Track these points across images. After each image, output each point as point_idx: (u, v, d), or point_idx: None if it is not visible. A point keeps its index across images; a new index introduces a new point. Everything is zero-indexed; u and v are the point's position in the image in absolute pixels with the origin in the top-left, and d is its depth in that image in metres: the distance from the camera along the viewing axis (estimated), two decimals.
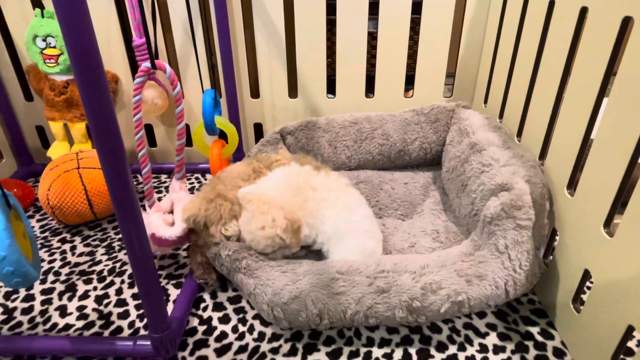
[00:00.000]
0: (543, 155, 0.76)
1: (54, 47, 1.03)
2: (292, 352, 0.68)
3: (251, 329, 0.72)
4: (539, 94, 0.78)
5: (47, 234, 0.96)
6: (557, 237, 0.71)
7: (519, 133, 0.85)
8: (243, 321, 0.73)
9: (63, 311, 0.76)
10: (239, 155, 1.14)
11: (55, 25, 1.02)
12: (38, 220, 1.01)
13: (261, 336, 0.71)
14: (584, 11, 0.64)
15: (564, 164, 0.68)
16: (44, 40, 1.03)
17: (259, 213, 0.72)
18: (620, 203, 0.57)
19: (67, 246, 0.92)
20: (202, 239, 0.77)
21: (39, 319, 0.75)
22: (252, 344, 0.69)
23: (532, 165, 0.72)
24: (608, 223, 0.59)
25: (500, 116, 0.95)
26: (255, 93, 1.15)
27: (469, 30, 1.05)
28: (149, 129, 1.18)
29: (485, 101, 1.04)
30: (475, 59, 1.08)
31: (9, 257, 0.56)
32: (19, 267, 0.57)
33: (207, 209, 0.76)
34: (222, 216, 0.75)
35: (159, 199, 0.92)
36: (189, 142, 1.19)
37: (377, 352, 0.68)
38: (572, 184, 0.67)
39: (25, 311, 0.76)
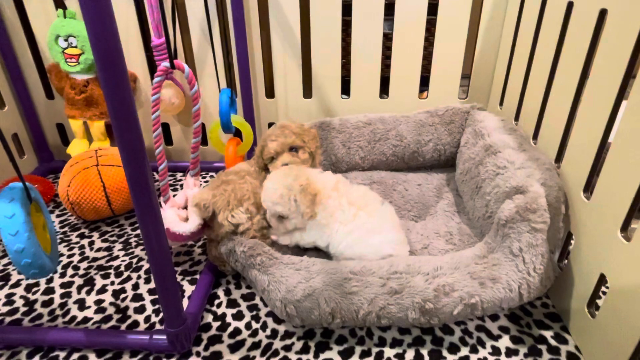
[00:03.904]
0: (559, 158, 0.75)
1: (75, 46, 1.06)
2: (305, 349, 0.69)
3: (264, 326, 0.73)
4: (556, 96, 0.77)
5: (66, 229, 0.99)
6: (572, 241, 0.71)
7: (535, 136, 0.84)
8: (256, 318, 0.74)
9: (82, 304, 0.78)
10: (253, 154, 1.15)
11: (77, 26, 1.04)
12: (57, 216, 1.03)
13: (274, 333, 0.72)
14: (603, 13, 0.64)
15: (580, 167, 0.68)
16: (66, 40, 1.05)
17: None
18: (638, 207, 0.57)
19: (85, 241, 0.95)
20: (214, 232, 0.78)
21: (58, 312, 0.77)
22: (265, 341, 0.70)
23: (547, 168, 0.72)
24: (625, 227, 0.58)
25: (516, 118, 0.94)
26: (270, 93, 1.16)
27: (486, 31, 1.05)
28: (165, 127, 1.20)
29: (501, 103, 1.04)
30: (492, 60, 1.07)
31: (27, 250, 0.58)
32: (36, 259, 0.59)
33: (214, 195, 0.78)
34: (229, 202, 0.77)
35: (174, 196, 0.94)
36: (204, 141, 1.20)
37: (388, 352, 0.68)
38: (589, 188, 0.67)
39: (45, 304, 0.78)
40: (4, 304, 0.78)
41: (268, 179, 0.77)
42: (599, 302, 0.65)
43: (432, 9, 1.03)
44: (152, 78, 1.10)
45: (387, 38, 1.08)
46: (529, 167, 0.73)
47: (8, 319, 0.75)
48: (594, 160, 0.65)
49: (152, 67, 1.12)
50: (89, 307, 0.78)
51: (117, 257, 0.90)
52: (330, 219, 0.76)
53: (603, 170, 0.62)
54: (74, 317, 0.76)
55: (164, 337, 0.67)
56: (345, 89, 1.14)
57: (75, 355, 0.68)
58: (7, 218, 0.57)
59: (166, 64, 0.83)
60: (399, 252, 0.76)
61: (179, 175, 1.21)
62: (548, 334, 0.70)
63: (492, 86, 1.10)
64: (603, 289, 0.65)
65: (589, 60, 0.68)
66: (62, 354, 0.69)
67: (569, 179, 0.71)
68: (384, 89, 1.13)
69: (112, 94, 0.46)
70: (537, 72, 0.85)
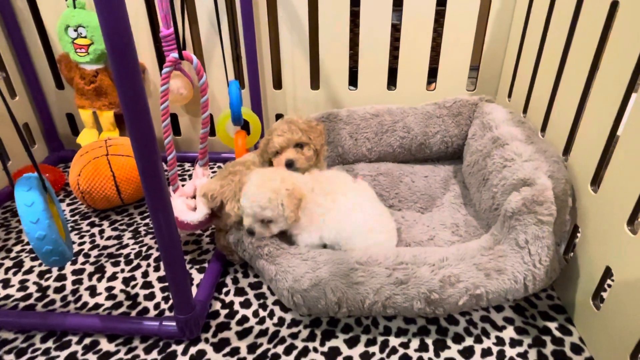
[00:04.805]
0: (567, 150, 0.75)
1: (85, 37, 1.06)
2: (311, 337, 0.70)
3: (271, 314, 0.74)
4: (565, 89, 0.77)
5: (77, 217, 1.00)
6: (578, 234, 0.71)
7: (543, 128, 0.84)
8: (264, 306, 0.76)
9: (93, 291, 0.80)
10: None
11: (87, 16, 1.05)
12: (68, 204, 1.05)
13: (281, 321, 0.73)
14: (614, 5, 0.63)
15: (588, 160, 0.67)
16: (75, 30, 1.06)
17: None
18: None
19: (96, 230, 0.96)
20: (222, 221, 0.80)
21: (70, 298, 0.79)
22: (272, 329, 0.72)
23: (555, 161, 0.72)
24: (632, 221, 0.59)
25: (525, 111, 0.94)
26: (277, 84, 1.17)
27: (495, 23, 1.04)
28: (173, 118, 1.21)
29: (510, 95, 1.03)
30: (500, 52, 1.07)
31: (49, 237, 0.59)
32: (56, 246, 0.60)
33: (222, 185, 0.79)
34: (236, 193, 0.78)
35: (182, 185, 0.95)
36: (212, 131, 1.21)
37: (394, 341, 0.69)
38: (597, 181, 0.67)
39: (57, 290, 0.80)
40: (18, 290, 0.80)
41: (251, 183, 0.75)
42: (604, 295, 0.65)
43: (441, 0, 1.02)
44: (160, 69, 1.11)
45: (396, 29, 1.08)
46: (537, 159, 0.72)
47: (22, 304, 0.77)
48: (602, 153, 0.65)
49: (161, 58, 1.12)
50: (100, 293, 0.79)
51: (127, 245, 0.91)
52: (312, 216, 0.76)
53: (611, 164, 0.62)
54: (85, 304, 0.77)
55: (174, 323, 0.68)
56: (353, 81, 1.14)
57: (87, 340, 0.70)
58: (27, 206, 0.58)
59: (175, 54, 0.84)
60: (381, 223, 0.79)
61: (187, 165, 1.23)
62: (552, 326, 0.71)
63: (501, 78, 1.09)
64: (608, 281, 0.65)
65: (599, 52, 0.67)
66: (74, 339, 0.70)
67: (576, 172, 0.71)
68: (392, 81, 1.13)
69: (123, 82, 0.47)
70: (546, 64, 0.84)
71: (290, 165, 0.82)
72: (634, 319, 0.57)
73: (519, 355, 0.66)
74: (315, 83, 1.15)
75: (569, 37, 0.75)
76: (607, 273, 0.63)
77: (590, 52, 0.68)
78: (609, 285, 0.63)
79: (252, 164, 0.85)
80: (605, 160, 0.64)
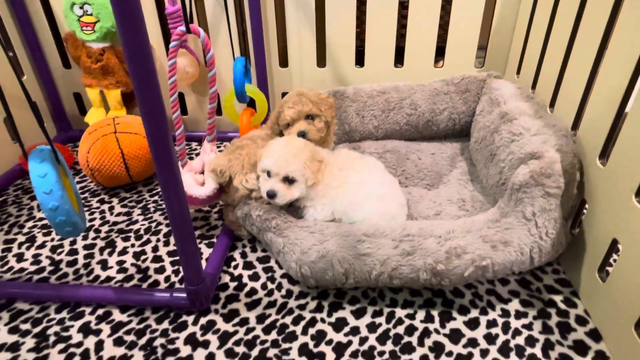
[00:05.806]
0: (576, 126, 0.75)
1: (91, 14, 1.06)
2: (319, 309, 0.71)
3: (279, 287, 0.75)
4: (574, 65, 0.76)
5: (86, 195, 1.02)
6: (584, 211, 0.71)
7: (552, 104, 0.84)
8: (272, 279, 0.77)
9: (104, 265, 0.81)
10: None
11: None
12: (78, 182, 1.06)
13: (289, 293, 0.74)
14: None
15: (597, 134, 0.67)
16: (81, 7, 1.06)
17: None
18: None
19: (105, 206, 0.97)
20: (230, 196, 0.80)
21: (82, 271, 0.80)
22: (280, 300, 0.73)
23: (563, 135, 0.72)
24: None
25: (533, 87, 0.93)
26: (283, 62, 1.16)
27: (504, 0, 1.02)
28: (180, 97, 1.21)
29: (518, 72, 1.02)
30: (509, 29, 1.05)
31: (62, 207, 0.60)
32: (69, 217, 0.61)
33: (230, 159, 0.80)
34: (244, 166, 0.78)
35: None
36: (219, 110, 1.21)
37: (400, 312, 0.70)
38: (605, 154, 0.66)
39: (70, 263, 0.82)
40: (32, 264, 0.82)
41: (274, 144, 0.78)
42: (609, 269, 0.65)
43: None
44: (167, 48, 1.11)
45: (403, 7, 1.07)
46: (545, 133, 0.72)
47: (36, 277, 0.79)
48: (611, 127, 0.64)
49: (167, 38, 1.12)
50: (111, 267, 0.81)
51: (136, 221, 0.92)
52: (327, 189, 0.79)
53: (620, 137, 0.62)
54: (97, 276, 0.79)
55: (184, 294, 0.69)
56: (360, 60, 1.14)
57: (100, 311, 0.72)
58: (40, 177, 0.59)
59: (182, 28, 0.83)
60: (392, 193, 0.80)
61: (194, 144, 1.23)
62: (558, 298, 0.72)
63: (510, 55, 1.08)
64: (614, 257, 0.65)
65: (609, 28, 0.66)
66: (87, 310, 0.72)
67: (585, 146, 0.71)
68: (399, 59, 1.12)
69: (133, 51, 0.47)
70: (555, 41, 0.83)
71: (302, 136, 0.84)
72: (639, 290, 0.57)
73: (523, 326, 0.67)
74: (321, 61, 1.15)
75: (579, 13, 0.74)
76: (613, 246, 0.64)
77: (600, 28, 0.67)
78: (614, 261, 0.63)
79: (259, 139, 0.85)
80: (614, 134, 0.64)
